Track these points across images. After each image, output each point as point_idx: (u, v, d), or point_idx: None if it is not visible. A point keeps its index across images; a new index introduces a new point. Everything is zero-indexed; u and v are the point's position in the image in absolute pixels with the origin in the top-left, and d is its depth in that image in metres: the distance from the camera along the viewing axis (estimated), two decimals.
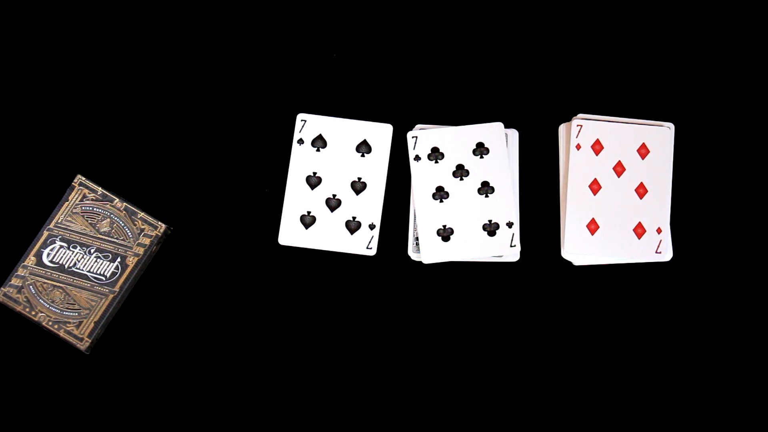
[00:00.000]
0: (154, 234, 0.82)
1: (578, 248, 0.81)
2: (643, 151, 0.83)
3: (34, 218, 0.82)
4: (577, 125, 0.83)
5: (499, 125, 0.84)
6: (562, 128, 0.84)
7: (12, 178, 0.84)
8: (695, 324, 0.82)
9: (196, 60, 0.86)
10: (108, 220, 0.82)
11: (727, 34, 0.86)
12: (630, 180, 0.82)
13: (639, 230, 0.81)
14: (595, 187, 0.82)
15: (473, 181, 0.83)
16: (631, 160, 0.83)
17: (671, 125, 0.83)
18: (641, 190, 0.82)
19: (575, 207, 0.82)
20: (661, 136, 0.83)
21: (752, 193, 0.84)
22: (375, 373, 0.81)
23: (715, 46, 0.86)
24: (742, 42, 0.86)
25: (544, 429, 0.80)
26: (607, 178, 0.82)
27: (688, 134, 0.84)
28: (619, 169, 0.82)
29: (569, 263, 0.82)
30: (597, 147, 0.83)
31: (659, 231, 0.81)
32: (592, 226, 0.81)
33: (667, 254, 0.82)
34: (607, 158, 0.83)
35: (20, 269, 0.81)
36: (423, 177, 0.83)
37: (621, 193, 0.82)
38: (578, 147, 0.83)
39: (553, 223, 0.83)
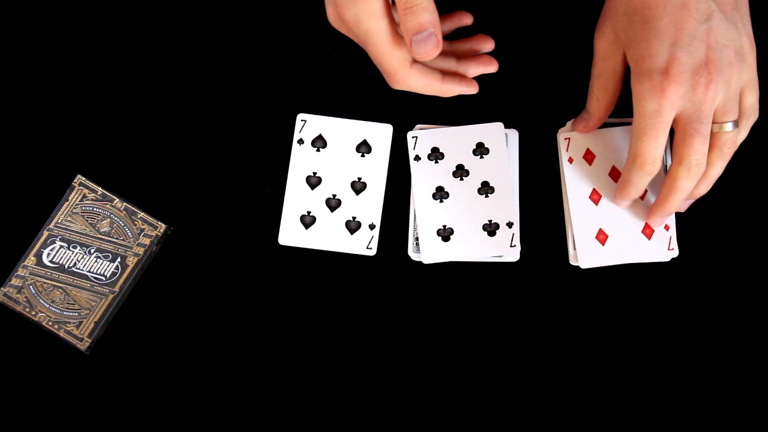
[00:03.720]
0: (154, 234, 0.82)
1: (592, 261, 0.81)
2: None
3: (34, 218, 0.82)
4: (565, 138, 0.83)
5: (499, 125, 0.84)
6: (560, 136, 0.84)
7: (12, 178, 0.84)
8: (698, 324, 0.82)
9: (196, 60, 0.86)
10: (108, 220, 0.82)
11: None
12: None
13: (647, 231, 0.81)
14: (595, 197, 0.82)
15: (473, 181, 0.83)
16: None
17: None
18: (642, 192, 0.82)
19: (580, 221, 0.81)
20: None
21: (754, 192, 0.84)
22: (375, 373, 0.81)
23: None
24: None
25: (544, 429, 0.80)
26: (605, 185, 0.82)
27: None
28: (615, 174, 0.82)
29: (569, 263, 0.82)
30: (589, 156, 0.83)
31: (667, 228, 0.81)
32: (601, 237, 0.81)
33: (673, 252, 0.82)
34: (602, 166, 0.83)
35: (20, 269, 0.81)
36: (423, 177, 0.83)
37: None
38: (570, 160, 0.83)
39: (553, 223, 0.83)
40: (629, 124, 0.83)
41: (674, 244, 0.81)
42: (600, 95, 0.79)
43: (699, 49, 0.72)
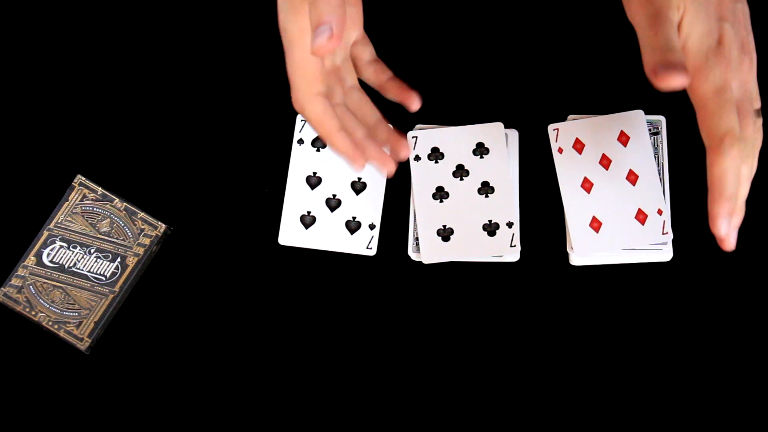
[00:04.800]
0: (154, 234, 0.82)
1: (587, 250, 0.81)
2: (623, 138, 0.83)
3: (34, 218, 0.82)
4: (554, 129, 0.83)
5: (499, 125, 0.84)
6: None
7: (12, 178, 0.84)
8: (697, 324, 0.82)
9: (196, 60, 0.86)
10: (108, 220, 0.82)
11: None
12: (619, 170, 0.82)
13: (641, 216, 0.81)
14: (587, 185, 0.82)
15: (473, 181, 0.83)
16: (615, 151, 0.83)
17: (641, 111, 0.83)
18: (632, 177, 0.82)
19: (573, 210, 0.82)
20: (636, 119, 0.83)
21: (752, 191, 0.84)
22: (375, 373, 0.81)
23: None
24: None
25: (544, 429, 0.80)
26: (596, 173, 0.82)
27: (685, 132, 0.84)
28: (605, 162, 0.83)
29: (569, 263, 0.82)
30: (578, 146, 0.83)
31: (660, 212, 0.81)
32: (595, 224, 0.81)
33: (667, 254, 0.82)
34: (591, 154, 0.83)
35: (20, 269, 0.81)
36: (423, 177, 0.83)
37: (614, 185, 0.82)
38: (560, 150, 0.83)
39: (553, 223, 0.83)
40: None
41: (668, 227, 0.81)
42: (677, 35, 0.68)
43: (739, 28, 0.70)
